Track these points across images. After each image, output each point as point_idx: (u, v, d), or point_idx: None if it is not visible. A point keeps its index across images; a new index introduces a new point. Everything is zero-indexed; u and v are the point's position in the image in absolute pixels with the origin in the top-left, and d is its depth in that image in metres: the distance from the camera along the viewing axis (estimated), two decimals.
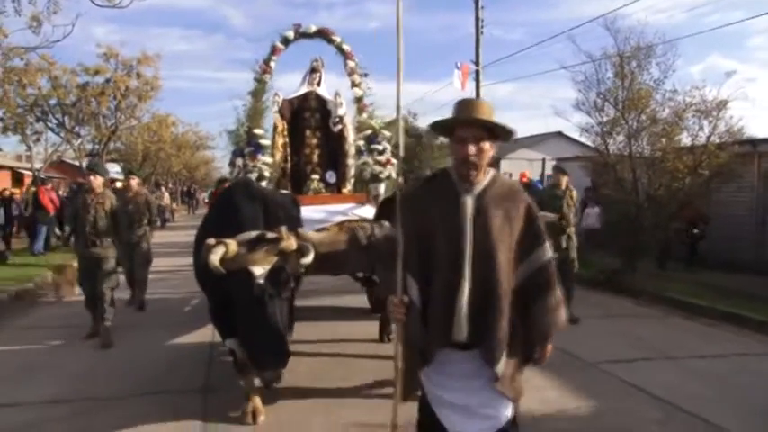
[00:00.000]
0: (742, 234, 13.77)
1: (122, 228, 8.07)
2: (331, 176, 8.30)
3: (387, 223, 4.92)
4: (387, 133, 8.07)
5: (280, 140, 8.08)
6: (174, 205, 41.95)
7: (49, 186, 18.23)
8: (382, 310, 6.74)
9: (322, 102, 8.48)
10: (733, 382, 6.09)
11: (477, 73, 23.47)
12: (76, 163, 26.00)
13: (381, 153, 7.87)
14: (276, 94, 8.23)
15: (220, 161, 63.56)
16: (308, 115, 8.42)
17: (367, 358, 6.79)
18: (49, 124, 22.87)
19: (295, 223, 5.04)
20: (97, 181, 7.71)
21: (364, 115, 8.28)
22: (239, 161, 7.67)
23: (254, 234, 4.27)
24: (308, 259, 4.29)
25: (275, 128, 8.06)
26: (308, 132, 8.39)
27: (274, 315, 3.97)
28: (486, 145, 2.76)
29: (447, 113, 2.91)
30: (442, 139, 8.23)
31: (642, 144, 12.60)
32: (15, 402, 5.39)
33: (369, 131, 8.01)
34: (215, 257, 3.92)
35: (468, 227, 2.74)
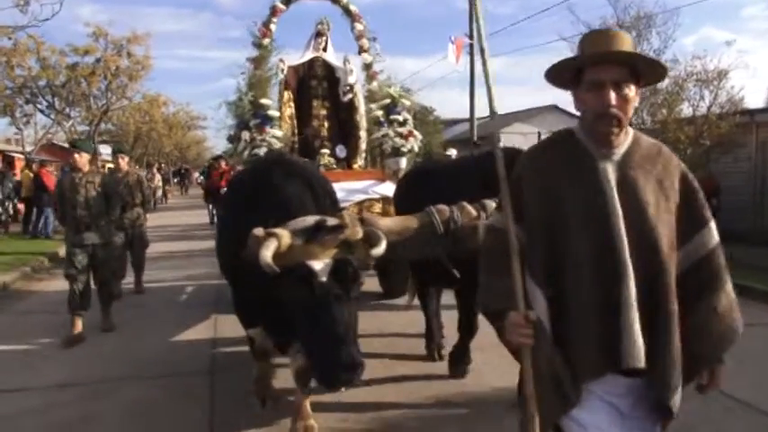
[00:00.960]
0: (740, 204, 13.74)
1: (117, 210, 7.32)
2: (341, 151, 7.69)
3: (468, 206, 3.93)
4: (407, 102, 7.50)
5: (287, 111, 7.54)
6: (167, 186, 41.69)
7: (51, 168, 18.03)
8: (426, 308, 6.05)
9: (329, 69, 7.91)
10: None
11: (471, 47, 23.22)
12: (67, 145, 25.70)
13: (402, 124, 7.32)
14: (281, 61, 7.61)
15: (212, 140, 63.21)
16: (314, 83, 7.84)
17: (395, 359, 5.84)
18: (39, 106, 22.59)
19: (334, 202, 4.47)
20: (82, 159, 6.87)
21: (375, 83, 7.74)
22: (245, 134, 6.96)
23: (310, 221, 3.30)
24: (379, 250, 3.33)
25: (281, 98, 7.50)
26: (315, 102, 7.81)
27: (342, 320, 3.04)
28: (631, 91, 2.05)
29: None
30: (437, 114, 7.92)
31: (642, 115, 12.57)
32: (22, 387, 5.30)
33: (387, 100, 7.42)
34: (267, 253, 3.01)
35: (615, 207, 2.04)
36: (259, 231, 3.14)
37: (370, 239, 3.35)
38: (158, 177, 31.75)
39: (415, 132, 7.22)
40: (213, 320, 7.27)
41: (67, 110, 23.03)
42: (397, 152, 7.16)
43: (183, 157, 60.60)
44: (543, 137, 14.56)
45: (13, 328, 7.33)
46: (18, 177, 19.36)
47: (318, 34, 7.94)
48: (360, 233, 3.32)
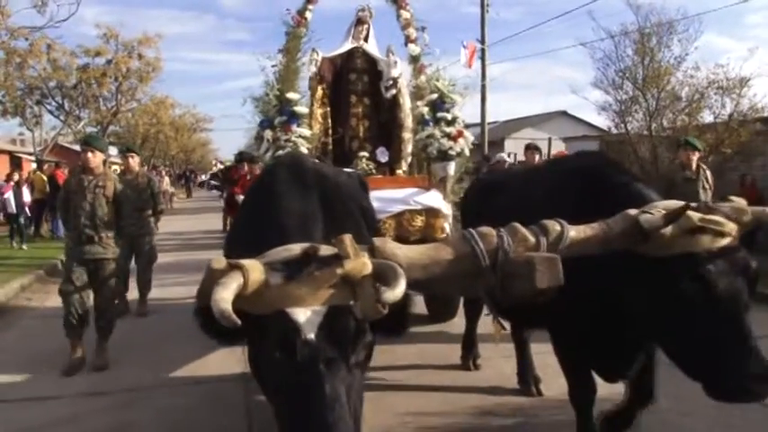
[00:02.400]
0: None
1: (126, 218, 6.35)
2: (383, 154, 6.71)
3: (523, 230, 2.64)
4: (457, 98, 6.53)
5: (319, 109, 6.70)
6: (173, 189, 41.55)
7: (65, 169, 17.88)
8: (470, 321, 5.59)
9: (371, 61, 6.99)
10: None
11: (482, 51, 23.22)
12: (76, 147, 25.69)
13: (451, 123, 6.36)
14: (314, 51, 6.72)
15: (217, 143, 63.20)
16: (353, 77, 6.93)
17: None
18: (48, 107, 22.56)
19: (370, 220, 3.77)
20: (96, 158, 5.95)
21: (422, 78, 6.75)
22: (268, 133, 6.14)
23: (295, 249, 2.27)
24: (395, 292, 2.10)
25: (313, 93, 6.69)
26: (353, 99, 6.88)
27: (335, 401, 2.00)
28: None
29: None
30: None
31: (662, 122, 12.49)
32: (52, 396, 5.17)
33: (434, 96, 6.42)
34: (224, 295, 1.98)
35: None
36: (219, 262, 2.14)
37: (382, 277, 2.17)
38: (167, 180, 31.67)
39: (466, 133, 6.36)
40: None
41: (77, 111, 22.97)
42: (444, 156, 6.25)
43: (187, 160, 60.57)
44: (554, 143, 14.47)
45: (34, 332, 7.22)
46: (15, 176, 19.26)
47: (359, 22, 7.03)
48: (367, 267, 2.17)
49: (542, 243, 2.58)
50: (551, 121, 31.14)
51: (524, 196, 3.88)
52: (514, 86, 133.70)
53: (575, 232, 2.61)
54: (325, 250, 2.24)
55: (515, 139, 28.21)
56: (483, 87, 22.58)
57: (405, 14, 6.94)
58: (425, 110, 6.44)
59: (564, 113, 30.50)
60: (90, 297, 5.90)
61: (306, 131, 6.19)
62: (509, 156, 13.55)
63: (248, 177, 10.21)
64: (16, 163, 31.44)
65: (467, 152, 6.48)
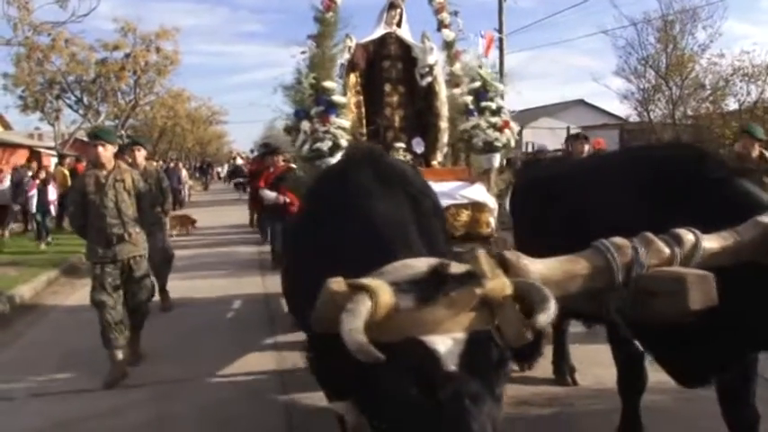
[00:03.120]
0: None
1: (146, 213, 5.90)
2: (419, 144, 6.39)
3: (657, 240, 2.32)
4: (500, 86, 6.27)
5: (353, 98, 6.33)
6: (191, 182, 41.62)
7: (86, 163, 17.88)
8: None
9: (405, 47, 6.59)
10: None
11: (500, 41, 23.07)
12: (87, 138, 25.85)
13: (495, 113, 6.11)
14: (348, 37, 6.34)
15: (232, 134, 63.16)
16: (387, 65, 6.53)
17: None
18: (68, 101, 22.70)
19: (442, 220, 3.30)
20: (106, 152, 5.53)
21: (458, 65, 6.55)
22: (305, 125, 5.76)
23: (421, 266, 1.92)
24: (547, 316, 1.83)
25: (346, 81, 6.35)
26: (387, 87, 6.49)
27: None
28: None
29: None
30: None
31: (686, 110, 12.38)
32: (89, 388, 5.22)
33: (477, 84, 6.17)
34: (357, 324, 1.70)
35: None
36: (338, 283, 1.81)
37: (526, 298, 1.86)
38: (184, 173, 31.71)
39: (512, 123, 6.11)
40: (266, 314, 7.17)
41: (96, 105, 23.11)
42: (490, 147, 5.97)
43: (203, 152, 60.79)
44: (573, 131, 14.11)
45: (61, 326, 7.31)
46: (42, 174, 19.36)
47: (392, 6, 6.57)
48: (508, 288, 1.86)
49: (677, 255, 2.27)
50: (569, 110, 30.89)
51: (599, 196, 3.35)
52: (530, 75, 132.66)
53: (708, 242, 2.31)
54: (456, 267, 1.90)
55: (533, 129, 27.94)
56: (501, 75, 22.38)
57: None
58: (469, 99, 6.17)
59: (581, 102, 30.32)
60: (122, 301, 5.58)
61: (345, 122, 5.85)
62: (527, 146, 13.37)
63: (271, 170, 9.97)
64: (36, 157, 31.80)
65: (513, 143, 6.27)
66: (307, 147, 5.74)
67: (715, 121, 12.12)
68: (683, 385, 3.20)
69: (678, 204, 2.67)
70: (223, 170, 46.27)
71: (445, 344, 1.74)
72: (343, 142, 5.67)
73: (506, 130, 6.05)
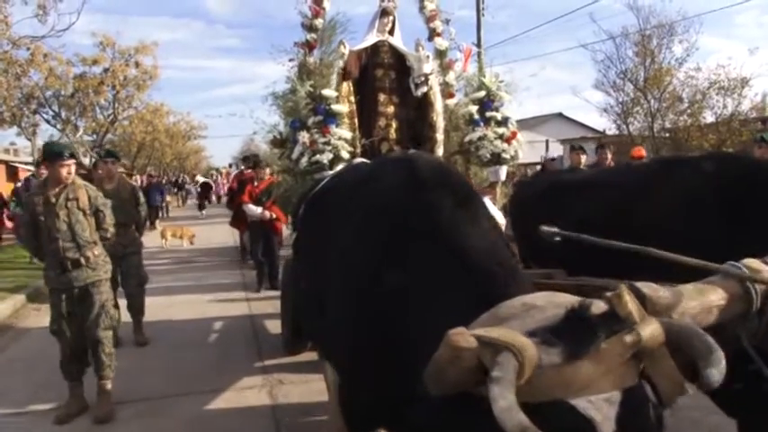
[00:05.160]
0: None
1: (108, 229, 5.17)
2: None
3: None
4: (506, 95, 6.13)
5: (345, 107, 5.91)
6: (169, 197, 41.17)
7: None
8: None
9: (398, 56, 6.28)
10: None
11: (479, 55, 23.25)
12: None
13: (501, 124, 5.96)
14: (342, 44, 6.02)
15: (210, 149, 62.65)
16: (380, 73, 6.19)
17: None
18: (45, 116, 22.50)
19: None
20: (63, 168, 4.83)
21: (451, 74, 6.40)
22: (303, 136, 5.48)
23: (550, 307, 1.54)
24: (717, 372, 1.42)
25: (339, 90, 5.93)
26: (381, 97, 6.15)
27: None
28: None
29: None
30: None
31: (664, 123, 12.59)
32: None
33: (481, 93, 6.05)
34: (512, 397, 1.28)
35: None
36: (465, 338, 1.40)
37: (683, 344, 1.49)
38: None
39: (519, 135, 5.95)
40: (249, 322, 7.13)
41: (74, 120, 22.92)
42: (497, 159, 5.81)
43: (181, 167, 60.35)
44: (552, 145, 14.18)
45: (46, 342, 7.13)
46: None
47: (384, 13, 6.25)
48: (660, 334, 1.46)
49: None
50: (547, 124, 31.22)
51: (640, 215, 2.94)
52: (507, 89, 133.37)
53: None
54: (596, 308, 1.49)
55: None
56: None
57: (430, 6, 6.40)
58: (474, 108, 6.01)
59: (560, 115, 30.67)
60: (83, 335, 4.97)
61: (346, 133, 5.60)
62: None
63: (255, 183, 9.78)
64: (12, 172, 31.41)
65: (520, 155, 6.10)
66: (305, 159, 5.50)
67: (693, 133, 12.34)
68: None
69: (746, 218, 2.43)
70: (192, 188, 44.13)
71: (600, 408, 1.39)
72: (345, 154, 5.48)
73: (514, 142, 5.91)
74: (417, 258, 2.08)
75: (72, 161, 4.93)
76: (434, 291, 1.93)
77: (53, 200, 4.80)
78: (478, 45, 23.75)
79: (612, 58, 13.35)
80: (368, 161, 4.48)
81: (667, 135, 12.64)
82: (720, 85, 12.23)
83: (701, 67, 12.61)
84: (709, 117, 12.50)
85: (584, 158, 8.42)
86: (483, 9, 23.62)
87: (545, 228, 2.36)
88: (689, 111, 12.34)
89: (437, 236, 2.08)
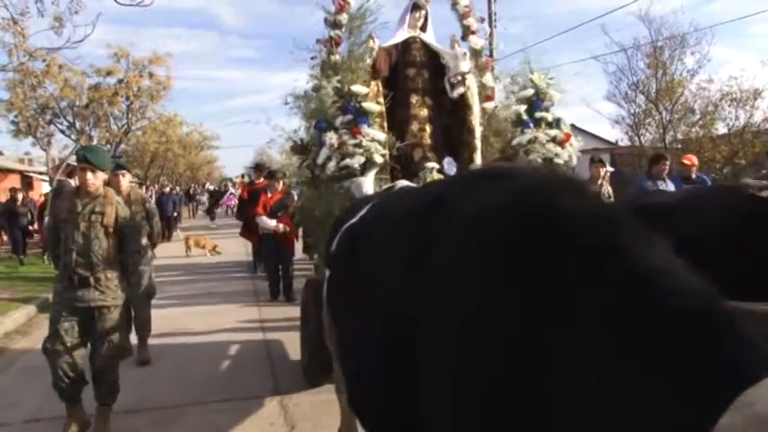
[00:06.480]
0: None
1: (131, 251, 4.84)
2: (450, 165, 5.41)
3: None
4: (556, 94, 5.66)
5: (377, 106, 5.29)
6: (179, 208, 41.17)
7: None
8: None
9: (430, 54, 5.76)
10: None
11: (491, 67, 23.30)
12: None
13: (553, 125, 5.49)
14: (371, 38, 5.43)
15: (222, 160, 62.80)
16: (412, 73, 5.65)
17: None
18: (60, 126, 22.72)
19: None
20: (97, 179, 4.54)
21: (488, 75, 5.95)
22: (330, 137, 4.89)
23: None
24: None
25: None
26: (414, 98, 5.60)
27: None
28: None
29: None
30: None
31: (676, 134, 12.57)
32: (91, 412, 5.14)
33: (530, 91, 5.56)
34: None
35: None
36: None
37: None
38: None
39: (573, 138, 5.46)
40: (262, 334, 7.15)
41: (88, 130, 23.11)
42: (549, 164, 5.27)
43: (194, 177, 60.69)
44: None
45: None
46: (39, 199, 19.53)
47: (415, 7, 5.72)
48: None
49: None
50: None
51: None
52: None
53: None
54: None
55: None
56: None
57: (463, 2, 5.93)
58: (522, 108, 5.54)
59: (572, 126, 30.30)
60: (83, 356, 4.59)
61: (380, 134, 4.99)
62: None
63: (269, 195, 9.62)
64: (27, 182, 31.72)
65: (574, 160, 5.56)
66: (333, 164, 4.93)
67: (705, 145, 12.28)
68: None
69: None
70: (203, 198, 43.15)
71: None
72: (378, 158, 4.92)
73: (567, 145, 5.43)
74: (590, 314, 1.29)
75: (98, 172, 4.53)
76: (625, 368, 1.18)
77: (78, 208, 4.50)
78: (491, 56, 23.88)
79: (624, 69, 13.35)
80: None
81: (679, 146, 12.59)
82: (733, 96, 12.25)
83: (713, 78, 12.61)
84: (721, 128, 12.54)
85: (602, 171, 8.25)
86: (495, 22, 23.72)
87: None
88: (701, 122, 12.35)
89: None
